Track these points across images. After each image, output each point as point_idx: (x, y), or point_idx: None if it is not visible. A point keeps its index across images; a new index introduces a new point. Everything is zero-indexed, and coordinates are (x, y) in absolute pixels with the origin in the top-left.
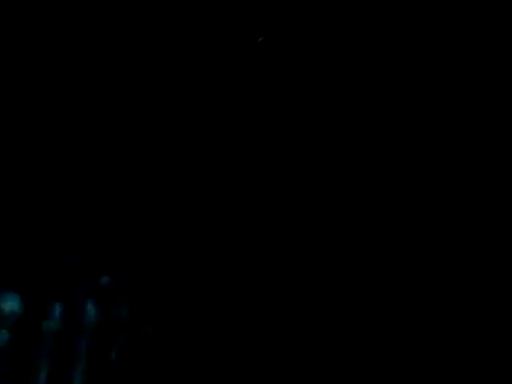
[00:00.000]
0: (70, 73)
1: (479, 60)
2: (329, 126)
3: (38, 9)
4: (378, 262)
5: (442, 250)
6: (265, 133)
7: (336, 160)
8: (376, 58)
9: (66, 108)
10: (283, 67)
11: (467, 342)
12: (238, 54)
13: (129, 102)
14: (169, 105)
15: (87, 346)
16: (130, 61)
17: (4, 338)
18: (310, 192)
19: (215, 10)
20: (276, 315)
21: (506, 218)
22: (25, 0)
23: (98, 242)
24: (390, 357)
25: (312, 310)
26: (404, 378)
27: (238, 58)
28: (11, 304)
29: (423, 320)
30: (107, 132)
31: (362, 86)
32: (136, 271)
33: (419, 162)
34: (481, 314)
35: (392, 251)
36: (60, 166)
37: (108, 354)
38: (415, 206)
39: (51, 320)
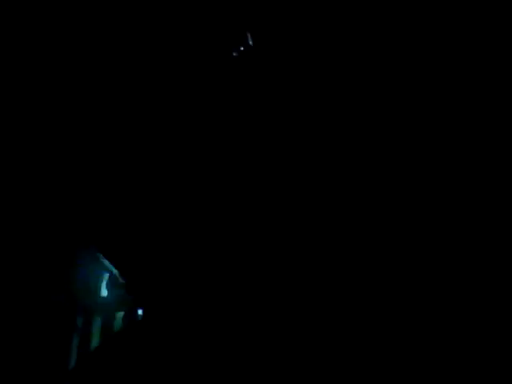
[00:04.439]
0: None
1: (479, 60)
2: (328, 126)
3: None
4: (378, 262)
5: (442, 250)
6: (264, 134)
7: (336, 160)
8: (376, 59)
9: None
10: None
11: (467, 342)
12: (237, 55)
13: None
14: (168, 105)
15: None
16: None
17: None
18: (310, 192)
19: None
20: (275, 315)
21: (506, 218)
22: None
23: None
24: (390, 357)
25: (312, 310)
26: (404, 378)
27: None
28: None
29: (423, 320)
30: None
31: (361, 87)
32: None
33: (419, 162)
34: (481, 313)
35: (392, 251)
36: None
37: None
38: (415, 206)
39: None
